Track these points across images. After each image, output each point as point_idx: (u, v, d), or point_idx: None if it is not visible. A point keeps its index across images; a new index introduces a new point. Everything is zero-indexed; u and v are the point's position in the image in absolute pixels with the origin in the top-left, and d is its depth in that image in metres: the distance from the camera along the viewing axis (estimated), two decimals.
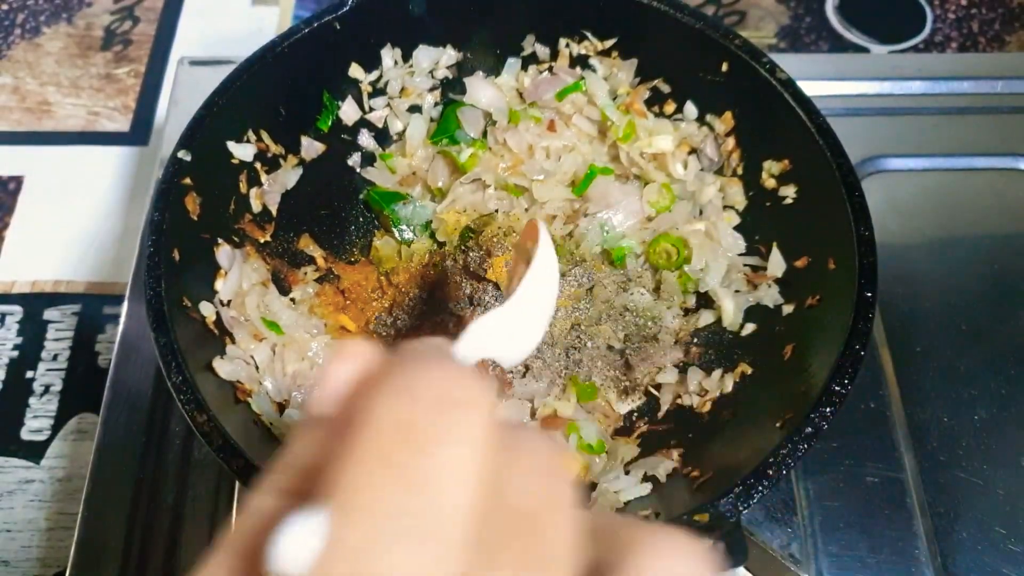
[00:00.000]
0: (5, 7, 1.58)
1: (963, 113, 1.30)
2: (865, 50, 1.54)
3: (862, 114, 1.28)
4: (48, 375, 1.22)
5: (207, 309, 0.88)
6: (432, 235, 1.08)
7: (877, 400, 1.05)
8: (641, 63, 1.07)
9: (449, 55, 1.09)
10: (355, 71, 1.05)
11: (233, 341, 0.89)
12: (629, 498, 0.84)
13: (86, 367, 1.23)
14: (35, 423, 1.18)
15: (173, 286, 0.82)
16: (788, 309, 0.94)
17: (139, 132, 1.45)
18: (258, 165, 0.98)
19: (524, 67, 1.11)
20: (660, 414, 0.96)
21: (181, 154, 0.88)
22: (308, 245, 1.04)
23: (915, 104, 1.30)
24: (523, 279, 0.59)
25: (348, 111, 1.07)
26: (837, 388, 0.77)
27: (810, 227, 0.94)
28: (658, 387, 0.98)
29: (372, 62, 1.06)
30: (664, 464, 0.87)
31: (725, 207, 1.05)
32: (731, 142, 1.03)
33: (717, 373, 0.96)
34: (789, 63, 0.98)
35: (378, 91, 1.08)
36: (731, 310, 0.98)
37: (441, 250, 1.07)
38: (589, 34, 1.07)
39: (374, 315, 1.03)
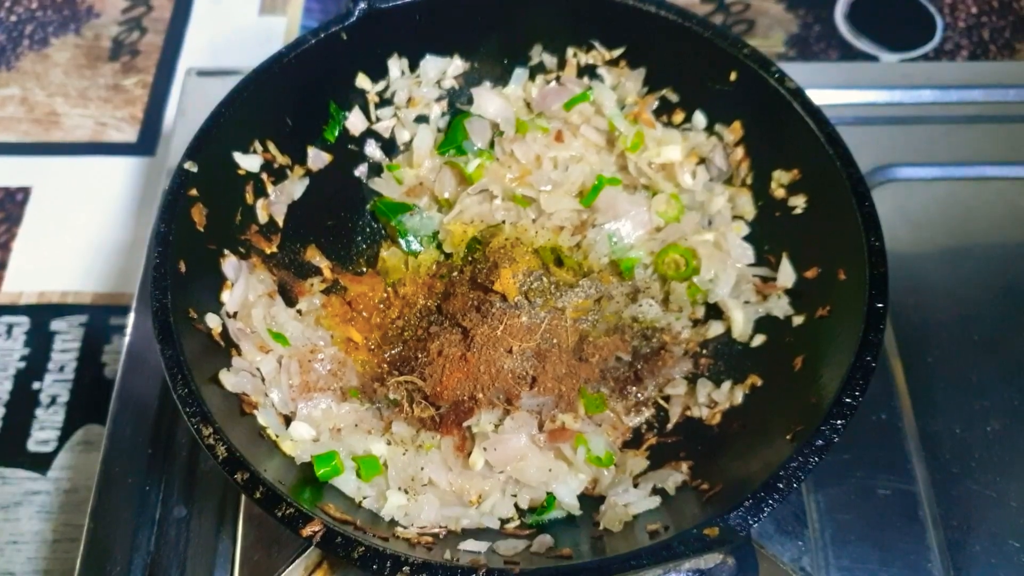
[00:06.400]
0: (13, 18, 1.59)
1: (974, 122, 1.29)
2: (875, 59, 1.53)
3: (872, 123, 1.27)
4: (55, 386, 1.22)
5: (213, 321, 0.88)
6: (439, 246, 1.08)
7: (888, 412, 1.04)
8: (649, 73, 1.07)
9: (456, 65, 1.09)
10: (362, 81, 1.05)
11: (239, 353, 0.89)
12: (638, 511, 0.84)
13: (92, 378, 1.22)
14: (41, 434, 1.18)
15: (179, 297, 0.82)
16: (798, 320, 0.94)
17: (146, 142, 1.45)
18: (264, 176, 0.98)
19: (531, 77, 1.10)
20: (669, 426, 0.95)
21: (187, 165, 0.88)
22: (315, 256, 1.04)
23: (925, 113, 1.29)
24: None
25: (355, 121, 1.06)
26: (848, 400, 0.76)
27: (820, 237, 0.93)
28: (667, 399, 0.97)
29: (379, 72, 1.06)
30: (673, 477, 0.86)
31: (734, 217, 1.04)
32: (740, 152, 1.03)
33: (727, 385, 0.95)
34: (798, 72, 0.98)
35: (385, 101, 1.08)
36: (741, 321, 0.98)
37: (448, 261, 1.07)
38: (597, 43, 1.07)
39: (381, 326, 1.02)
